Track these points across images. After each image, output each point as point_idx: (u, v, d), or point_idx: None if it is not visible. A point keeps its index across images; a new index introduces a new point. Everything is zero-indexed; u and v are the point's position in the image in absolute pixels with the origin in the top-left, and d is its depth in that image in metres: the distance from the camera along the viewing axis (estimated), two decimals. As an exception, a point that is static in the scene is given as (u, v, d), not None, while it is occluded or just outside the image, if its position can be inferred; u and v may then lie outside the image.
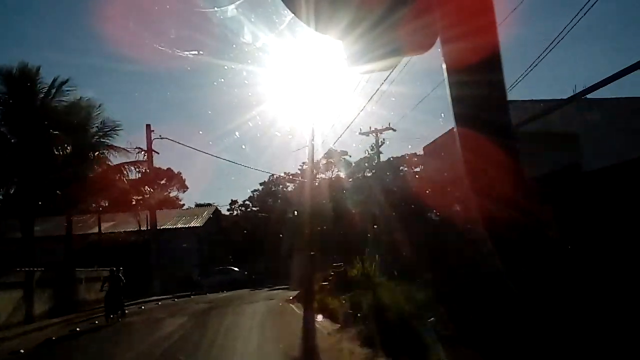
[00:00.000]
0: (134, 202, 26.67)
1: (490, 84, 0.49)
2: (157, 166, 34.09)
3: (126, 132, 28.42)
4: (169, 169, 47.97)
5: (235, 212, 43.70)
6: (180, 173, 49.55)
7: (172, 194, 47.90)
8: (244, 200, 44.24)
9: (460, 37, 0.49)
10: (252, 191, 43.10)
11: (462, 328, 5.64)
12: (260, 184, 42.45)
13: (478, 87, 0.49)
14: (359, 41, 0.58)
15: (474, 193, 0.51)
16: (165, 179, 48.10)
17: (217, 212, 39.93)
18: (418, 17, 0.55)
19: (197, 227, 34.24)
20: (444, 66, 0.50)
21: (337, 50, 0.62)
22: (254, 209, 42.71)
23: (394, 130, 25.43)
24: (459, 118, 0.51)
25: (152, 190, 29.42)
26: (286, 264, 29.82)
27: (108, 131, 20.76)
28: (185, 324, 12.96)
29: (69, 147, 20.13)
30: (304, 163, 37.95)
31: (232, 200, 44.86)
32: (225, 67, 13.34)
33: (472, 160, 0.51)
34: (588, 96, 9.35)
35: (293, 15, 0.62)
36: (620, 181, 4.41)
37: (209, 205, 40.57)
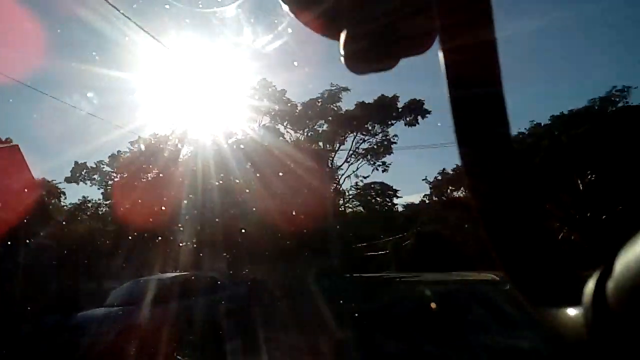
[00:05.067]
0: None
1: (490, 96, 0.50)
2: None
3: None
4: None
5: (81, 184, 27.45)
6: (11, 140, 32.32)
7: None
8: (100, 162, 27.38)
9: (459, 46, 0.50)
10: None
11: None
12: (131, 143, 26.84)
13: (478, 99, 0.50)
14: (355, 41, 0.59)
15: (476, 208, 0.51)
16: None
17: (17, 154, 18.94)
18: (417, 18, 0.56)
19: None
20: (444, 74, 0.51)
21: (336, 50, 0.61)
22: (115, 177, 27.25)
23: None
24: (459, 129, 0.51)
25: None
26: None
27: None
28: None
29: None
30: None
31: (76, 163, 26.70)
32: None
33: (473, 176, 0.52)
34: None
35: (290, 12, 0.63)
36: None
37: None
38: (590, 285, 0.34)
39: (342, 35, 0.58)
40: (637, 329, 0.29)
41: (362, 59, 0.59)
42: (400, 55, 0.59)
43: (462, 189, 37.61)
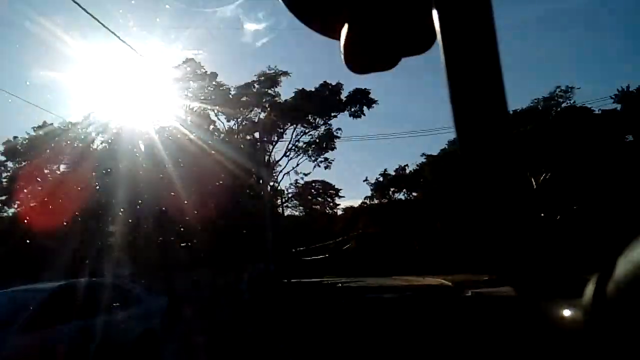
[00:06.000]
0: None
1: (490, 93, 0.50)
2: None
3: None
4: None
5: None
6: None
7: None
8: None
9: (459, 42, 0.51)
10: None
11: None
12: (34, 129, 21.87)
13: (477, 96, 0.51)
14: (355, 41, 0.59)
15: (475, 204, 0.51)
16: None
17: None
18: (416, 17, 0.57)
19: None
20: (444, 71, 0.52)
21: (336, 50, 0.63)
22: (9, 167, 22.96)
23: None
24: (459, 127, 0.52)
25: None
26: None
27: None
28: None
29: None
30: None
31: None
32: None
33: (473, 172, 0.51)
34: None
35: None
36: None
37: None
38: (590, 286, 0.34)
39: (343, 35, 0.57)
40: (637, 329, 0.30)
41: (363, 58, 0.59)
42: (401, 54, 0.59)
43: (403, 190, 36.84)
